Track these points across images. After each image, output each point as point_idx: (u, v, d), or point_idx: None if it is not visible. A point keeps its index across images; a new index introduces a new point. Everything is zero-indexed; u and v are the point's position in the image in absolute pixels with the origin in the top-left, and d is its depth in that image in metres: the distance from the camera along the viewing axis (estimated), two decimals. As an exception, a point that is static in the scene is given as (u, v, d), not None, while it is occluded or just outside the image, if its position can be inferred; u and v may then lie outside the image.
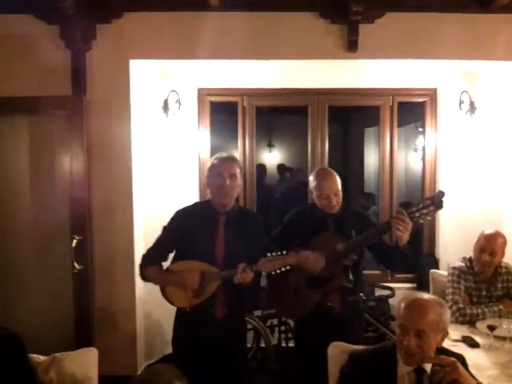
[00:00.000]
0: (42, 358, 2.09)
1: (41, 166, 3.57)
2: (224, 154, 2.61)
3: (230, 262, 2.41)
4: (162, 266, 2.59)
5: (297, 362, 2.93)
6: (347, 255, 2.62)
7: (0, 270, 3.53)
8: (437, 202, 2.38)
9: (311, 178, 2.80)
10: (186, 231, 2.53)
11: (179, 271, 2.48)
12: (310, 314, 2.68)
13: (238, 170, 2.53)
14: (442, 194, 2.39)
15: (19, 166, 3.55)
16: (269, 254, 2.36)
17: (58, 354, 2.11)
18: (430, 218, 2.45)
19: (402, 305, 1.86)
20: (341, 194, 2.72)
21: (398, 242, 2.47)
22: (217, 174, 2.50)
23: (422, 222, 2.45)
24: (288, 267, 2.37)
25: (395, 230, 2.43)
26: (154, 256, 2.58)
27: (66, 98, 3.42)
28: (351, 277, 2.64)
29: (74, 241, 3.36)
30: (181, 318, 2.60)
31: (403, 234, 2.43)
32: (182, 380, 1.62)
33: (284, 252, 2.36)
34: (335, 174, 2.76)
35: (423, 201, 2.43)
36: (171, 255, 2.62)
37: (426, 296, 1.90)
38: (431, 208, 2.38)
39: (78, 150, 3.41)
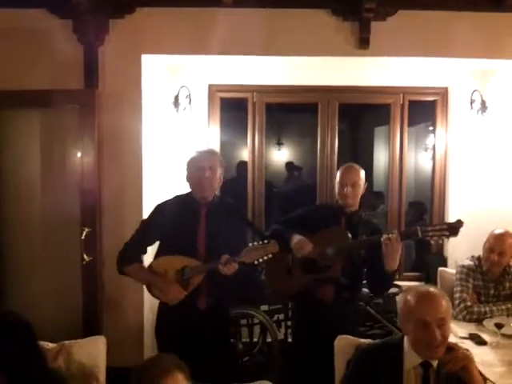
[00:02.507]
0: (50, 345, 2.11)
1: (52, 159, 3.61)
2: (204, 148, 2.69)
3: (211, 253, 2.45)
4: (142, 261, 2.62)
5: (294, 354, 2.95)
6: (351, 251, 2.64)
7: (11, 260, 3.58)
8: (454, 229, 2.41)
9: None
10: (166, 224, 2.54)
11: (160, 276, 2.51)
12: (304, 305, 2.72)
13: (217, 163, 2.56)
14: (461, 223, 2.42)
15: (31, 159, 3.59)
16: (250, 244, 2.39)
17: (66, 342, 2.14)
18: (440, 242, 2.53)
19: (413, 302, 1.84)
20: (359, 189, 2.77)
21: (386, 265, 2.47)
22: (196, 167, 2.54)
23: (432, 242, 2.54)
24: (270, 255, 2.39)
25: (383, 249, 2.45)
26: (133, 251, 2.60)
27: (78, 91, 3.45)
28: (348, 274, 2.65)
29: (84, 233, 3.39)
30: (163, 309, 2.61)
31: (390, 255, 2.44)
32: (183, 369, 1.62)
33: (265, 241, 2.39)
34: (360, 170, 2.83)
35: (441, 224, 2.48)
36: (150, 248, 2.66)
37: (429, 287, 1.93)
38: (446, 233, 2.41)
39: (89, 143, 3.44)
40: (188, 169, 2.60)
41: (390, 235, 2.44)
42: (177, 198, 2.71)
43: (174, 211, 2.58)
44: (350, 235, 2.65)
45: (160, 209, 2.65)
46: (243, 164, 5.88)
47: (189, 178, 2.59)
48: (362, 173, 2.82)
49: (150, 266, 2.57)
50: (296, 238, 2.65)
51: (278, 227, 2.83)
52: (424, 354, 1.83)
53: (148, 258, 2.70)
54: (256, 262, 2.39)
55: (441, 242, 2.51)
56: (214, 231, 2.52)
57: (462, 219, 3.57)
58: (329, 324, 2.53)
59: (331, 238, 2.64)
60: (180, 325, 2.50)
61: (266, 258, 2.38)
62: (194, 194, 2.58)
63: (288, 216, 2.93)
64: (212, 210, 2.57)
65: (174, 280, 2.47)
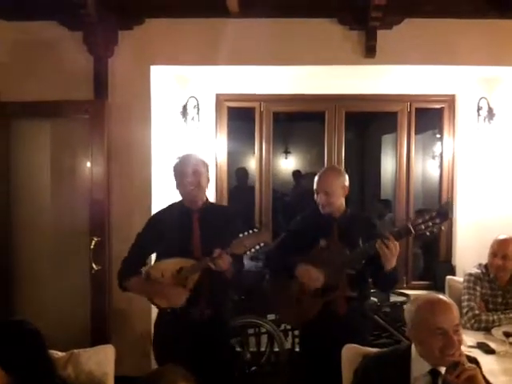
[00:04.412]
0: (59, 353, 2.12)
1: (62, 169, 3.66)
2: (185, 153, 2.64)
3: (207, 254, 2.39)
4: (141, 273, 2.57)
5: (302, 365, 2.87)
6: (352, 265, 2.56)
7: (21, 269, 3.62)
8: (443, 213, 2.30)
9: None
10: (160, 233, 2.53)
11: (158, 283, 2.47)
12: (315, 317, 2.63)
13: (200, 166, 2.55)
14: (448, 204, 2.38)
15: (41, 168, 3.64)
16: (241, 235, 2.31)
17: (75, 351, 2.13)
18: (435, 231, 2.34)
19: (427, 311, 1.83)
20: (333, 196, 2.64)
21: (385, 266, 2.40)
22: (179, 173, 2.54)
23: (427, 234, 2.34)
24: (262, 244, 2.32)
25: (380, 254, 2.37)
26: (131, 265, 2.57)
27: (88, 102, 3.50)
28: (355, 286, 2.60)
29: (93, 242, 3.43)
30: (162, 318, 2.59)
31: (387, 258, 2.37)
32: (189, 381, 1.61)
33: (255, 229, 2.31)
34: (337, 174, 2.71)
35: (429, 212, 2.34)
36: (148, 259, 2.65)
37: (437, 295, 1.94)
38: (437, 220, 2.30)
39: (98, 153, 3.49)
40: (174, 176, 2.59)
41: (385, 240, 2.35)
42: (170, 206, 2.70)
43: (167, 219, 2.58)
44: (346, 249, 2.54)
45: (154, 219, 2.66)
46: (242, 170, 5.99)
47: (177, 186, 2.58)
48: (339, 177, 2.69)
49: (148, 272, 2.54)
50: (299, 270, 2.58)
51: (276, 257, 2.76)
52: (438, 362, 1.82)
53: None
54: (248, 253, 2.33)
55: (436, 231, 2.32)
56: (208, 233, 2.49)
57: (470, 226, 3.55)
58: (342, 333, 2.46)
59: (329, 256, 2.55)
60: (176, 336, 2.46)
61: (257, 247, 2.31)
62: (184, 200, 2.58)
63: (280, 238, 2.86)
64: (204, 213, 2.55)
65: (172, 282, 2.44)
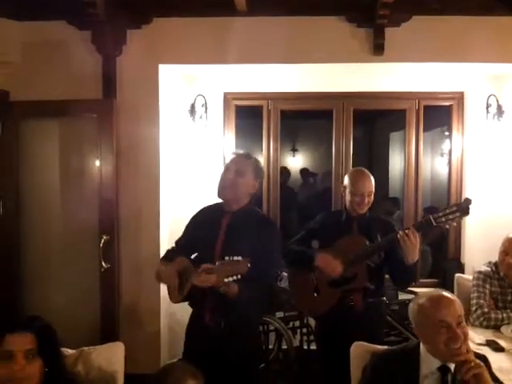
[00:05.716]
0: (70, 351, 2.13)
1: (71, 168, 3.67)
2: (241, 151, 2.56)
3: None
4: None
5: (318, 360, 2.92)
6: (372, 256, 2.63)
7: (31, 267, 3.64)
8: (463, 208, 2.42)
9: (346, 176, 2.83)
10: (196, 228, 2.53)
11: (162, 269, 2.43)
12: (332, 312, 2.68)
13: (248, 168, 2.41)
14: (469, 201, 2.43)
15: (50, 168, 3.66)
16: (226, 258, 2.11)
17: (85, 348, 2.15)
18: (455, 224, 2.47)
19: (431, 306, 1.84)
20: (372, 197, 2.75)
21: (404, 258, 2.48)
22: (225, 167, 2.46)
23: (447, 227, 2.47)
24: (239, 276, 2.08)
25: (401, 245, 2.45)
26: (170, 252, 2.56)
27: (96, 101, 3.51)
28: (373, 279, 2.66)
29: (102, 240, 3.45)
30: (191, 318, 2.59)
31: (408, 250, 2.44)
32: (197, 377, 1.61)
33: (240, 257, 2.08)
34: (371, 176, 2.79)
35: (450, 206, 2.46)
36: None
37: (438, 290, 1.98)
38: (457, 214, 2.42)
39: (107, 152, 3.50)
40: None
41: (406, 230, 2.45)
42: (215, 204, 2.56)
43: (202, 218, 2.55)
44: (366, 240, 2.65)
45: (196, 214, 2.62)
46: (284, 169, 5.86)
47: None
48: (372, 177, 2.79)
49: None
50: (319, 258, 2.63)
51: (295, 248, 2.83)
52: (445, 357, 1.82)
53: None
54: (226, 280, 2.08)
55: (455, 224, 2.47)
56: (233, 240, 2.32)
57: (479, 224, 3.55)
58: (358, 330, 2.50)
59: (350, 247, 2.63)
60: (195, 340, 2.49)
61: (235, 277, 2.07)
62: (220, 198, 2.44)
63: (299, 235, 2.92)
64: (236, 218, 2.40)
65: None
